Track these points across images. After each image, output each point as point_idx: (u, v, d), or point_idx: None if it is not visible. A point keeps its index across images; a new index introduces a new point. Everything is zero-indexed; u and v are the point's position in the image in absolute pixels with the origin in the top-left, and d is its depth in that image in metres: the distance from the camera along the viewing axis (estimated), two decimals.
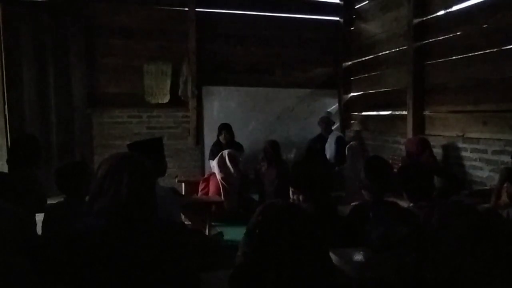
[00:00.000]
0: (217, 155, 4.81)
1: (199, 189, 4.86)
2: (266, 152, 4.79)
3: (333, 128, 6.05)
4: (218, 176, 4.64)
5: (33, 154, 3.08)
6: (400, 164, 4.40)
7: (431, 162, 4.07)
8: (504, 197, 2.99)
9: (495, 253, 1.44)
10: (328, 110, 6.49)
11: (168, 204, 2.56)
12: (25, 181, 2.85)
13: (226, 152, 4.74)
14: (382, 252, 1.99)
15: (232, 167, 4.64)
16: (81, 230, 1.48)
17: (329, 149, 5.65)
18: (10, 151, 3.27)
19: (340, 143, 5.50)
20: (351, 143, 5.15)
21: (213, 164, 4.84)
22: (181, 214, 3.31)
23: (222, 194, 4.59)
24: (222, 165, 4.65)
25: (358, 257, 2.02)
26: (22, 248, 1.81)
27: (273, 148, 4.77)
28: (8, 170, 3.24)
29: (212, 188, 4.72)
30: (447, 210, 1.63)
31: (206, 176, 5.00)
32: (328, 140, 5.75)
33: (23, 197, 2.60)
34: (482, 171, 4.10)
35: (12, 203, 2.13)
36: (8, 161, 3.20)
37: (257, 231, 1.20)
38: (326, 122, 5.96)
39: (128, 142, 5.67)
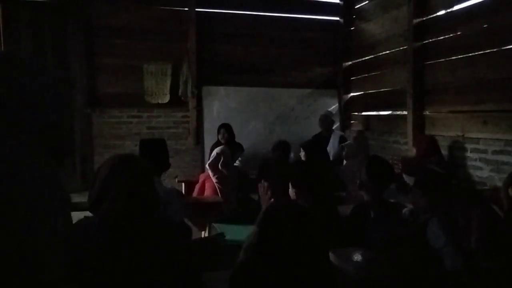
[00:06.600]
0: None
1: (195, 195, 4.69)
2: (275, 153, 4.72)
3: (334, 127, 6.02)
4: (213, 179, 4.49)
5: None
6: (400, 165, 4.40)
7: (442, 165, 3.90)
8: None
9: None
10: (329, 109, 6.47)
11: (171, 205, 2.56)
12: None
13: (215, 153, 4.48)
14: (383, 252, 1.99)
15: (224, 167, 4.40)
16: (83, 232, 1.48)
17: (333, 149, 5.62)
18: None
19: (343, 142, 5.47)
20: (347, 142, 5.15)
21: (207, 167, 4.63)
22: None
23: (220, 197, 4.48)
24: (214, 168, 4.45)
25: (358, 257, 2.02)
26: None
27: (284, 150, 4.70)
28: None
29: (207, 193, 4.57)
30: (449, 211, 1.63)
31: (201, 181, 4.71)
32: (331, 140, 5.73)
33: None
34: (482, 171, 4.10)
35: None
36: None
37: (261, 232, 1.20)
38: (326, 120, 5.94)
39: (128, 142, 5.80)
